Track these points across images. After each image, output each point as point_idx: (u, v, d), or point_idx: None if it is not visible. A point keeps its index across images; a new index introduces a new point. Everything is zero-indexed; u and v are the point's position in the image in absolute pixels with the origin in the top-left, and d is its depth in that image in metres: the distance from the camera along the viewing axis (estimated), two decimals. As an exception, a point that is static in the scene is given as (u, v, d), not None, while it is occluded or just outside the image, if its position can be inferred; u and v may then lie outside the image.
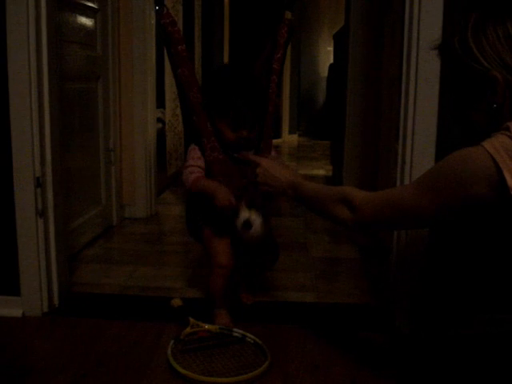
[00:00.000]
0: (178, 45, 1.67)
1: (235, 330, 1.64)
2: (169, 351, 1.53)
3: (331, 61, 4.91)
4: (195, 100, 1.67)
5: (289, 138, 7.28)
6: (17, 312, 1.79)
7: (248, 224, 1.56)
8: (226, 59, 6.08)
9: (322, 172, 4.74)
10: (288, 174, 1.43)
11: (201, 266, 2.27)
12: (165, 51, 1.81)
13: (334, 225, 2.91)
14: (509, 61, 0.99)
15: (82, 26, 2.48)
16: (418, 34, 1.60)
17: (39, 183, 1.74)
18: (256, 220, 1.56)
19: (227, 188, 1.59)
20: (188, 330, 1.62)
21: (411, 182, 1.20)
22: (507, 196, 0.93)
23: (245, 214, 1.57)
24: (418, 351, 1.61)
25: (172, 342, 1.57)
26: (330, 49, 6.24)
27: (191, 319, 1.65)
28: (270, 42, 1.84)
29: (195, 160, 1.66)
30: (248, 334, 1.62)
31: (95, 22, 2.61)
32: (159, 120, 3.63)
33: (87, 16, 2.52)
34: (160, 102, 3.64)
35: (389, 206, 1.14)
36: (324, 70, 6.65)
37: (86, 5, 2.50)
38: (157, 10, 1.68)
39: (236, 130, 1.62)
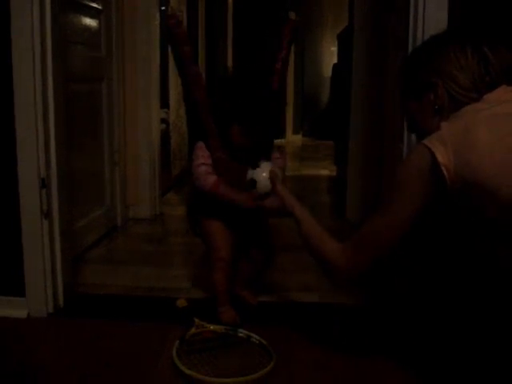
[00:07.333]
0: (184, 46, 1.68)
1: (240, 330, 1.64)
2: (174, 352, 1.52)
3: (335, 61, 4.90)
4: (201, 99, 1.69)
5: (293, 139, 7.27)
6: (22, 313, 1.79)
7: (252, 182, 1.57)
8: (229, 60, 6.09)
9: (325, 172, 4.74)
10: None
11: (206, 266, 2.27)
12: (169, 51, 1.82)
13: (337, 225, 2.93)
14: (450, 70, 1.20)
15: (86, 27, 2.48)
16: (423, 33, 1.60)
17: (44, 184, 1.74)
18: (259, 176, 1.57)
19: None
20: (193, 330, 1.62)
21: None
22: (441, 174, 1.10)
23: (248, 175, 1.58)
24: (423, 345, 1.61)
25: (177, 342, 1.57)
26: (334, 49, 6.22)
27: (196, 320, 1.65)
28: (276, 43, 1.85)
29: (206, 158, 1.67)
30: (253, 335, 1.62)
31: (99, 23, 2.61)
32: (163, 120, 3.63)
33: (91, 17, 2.52)
34: (164, 103, 3.64)
35: (372, 234, 1.29)
36: (328, 70, 6.61)
37: (89, 5, 2.50)
38: (163, 10, 1.71)
39: (248, 136, 1.64)
